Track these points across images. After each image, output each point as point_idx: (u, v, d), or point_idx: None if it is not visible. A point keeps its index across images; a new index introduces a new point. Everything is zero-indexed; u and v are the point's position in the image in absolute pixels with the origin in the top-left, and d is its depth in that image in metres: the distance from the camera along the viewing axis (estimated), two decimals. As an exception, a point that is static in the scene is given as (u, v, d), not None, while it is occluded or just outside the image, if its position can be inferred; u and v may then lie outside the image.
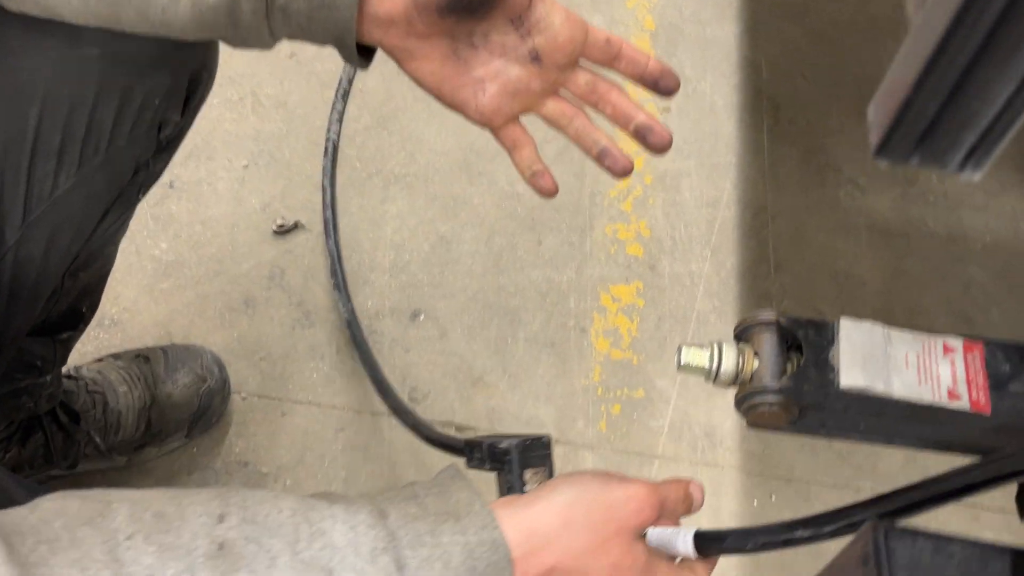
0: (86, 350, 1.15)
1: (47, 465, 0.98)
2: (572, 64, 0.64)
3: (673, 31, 1.62)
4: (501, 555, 0.53)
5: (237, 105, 1.42)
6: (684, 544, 0.58)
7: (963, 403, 0.65)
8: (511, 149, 0.67)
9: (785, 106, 1.54)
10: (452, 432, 1.16)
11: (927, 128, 0.29)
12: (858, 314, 0.78)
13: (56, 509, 0.45)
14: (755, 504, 1.16)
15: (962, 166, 0.30)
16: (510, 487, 0.70)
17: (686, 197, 1.43)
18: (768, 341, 0.70)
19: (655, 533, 0.60)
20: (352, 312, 1.20)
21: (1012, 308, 1.36)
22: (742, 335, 0.72)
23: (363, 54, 0.62)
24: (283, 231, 1.32)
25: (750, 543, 0.56)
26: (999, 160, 0.34)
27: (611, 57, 0.63)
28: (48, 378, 0.92)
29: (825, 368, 0.67)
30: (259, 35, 0.59)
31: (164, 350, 1.09)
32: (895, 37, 1.47)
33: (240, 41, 0.60)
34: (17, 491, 0.58)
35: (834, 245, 1.39)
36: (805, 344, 0.68)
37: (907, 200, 1.46)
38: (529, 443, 0.70)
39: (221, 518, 0.47)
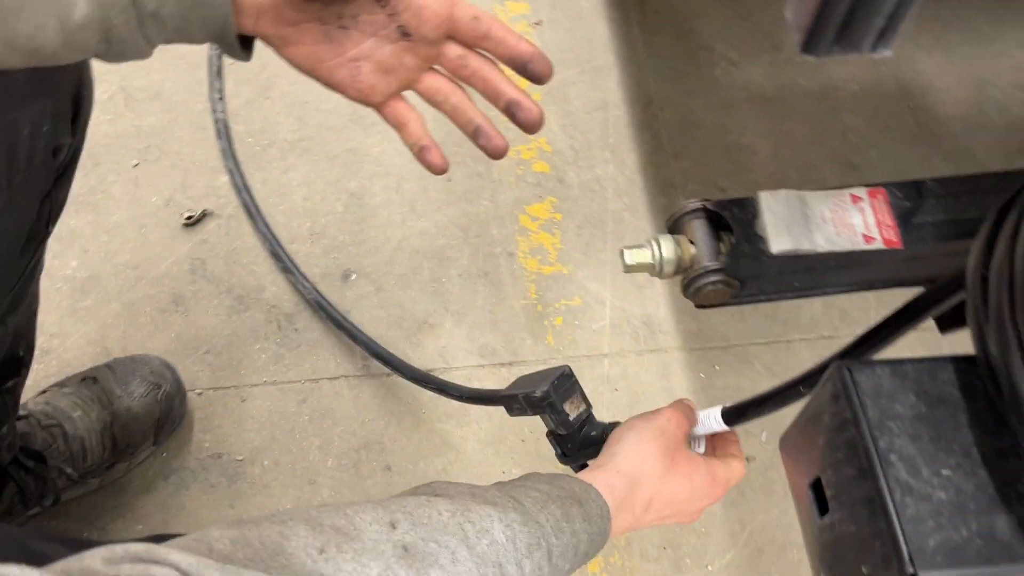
0: (26, 385, 1.12)
1: (27, 508, 0.97)
2: (443, 39, 0.64)
3: (527, -56, 1.63)
4: (605, 541, 0.64)
5: (109, 104, 1.37)
6: (717, 422, 0.73)
7: (878, 243, 0.73)
8: (397, 126, 0.67)
9: (649, -2, 1.59)
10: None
11: (844, 22, 0.33)
12: (755, 181, 0.84)
13: (228, 552, 0.45)
14: (702, 376, 1.24)
15: (875, 47, 0.34)
16: (559, 422, 0.77)
17: (576, 106, 1.47)
18: (699, 227, 0.76)
19: (698, 427, 0.76)
20: (315, 289, 1.21)
21: (888, 147, 1.47)
22: (674, 227, 0.78)
23: (243, 45, 0.62)
24: (192, 222, 1.30)
25: (766, 408, 0.65)
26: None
27: (480, 36, 0.63)
28: (3, 430, 0.90)
29: (755, 240, 0.74)
30: (135, 46, 0.57)
31: (109, 366, 1.08)
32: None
33: (116, 56, 0.58)
34: (48, 547, 0.57)
35: (721, 122, 1.46)
36: (733, 222, 0.74)
37: (777, 66, 1.54)
38: (557, 382, 0.77)
39: (393, 525, 0.50)
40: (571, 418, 0.78)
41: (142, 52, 0.59)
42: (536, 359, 1.24)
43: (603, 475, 0.67)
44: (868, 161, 1.45)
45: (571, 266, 1.32)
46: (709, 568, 1.12)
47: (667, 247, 0.75)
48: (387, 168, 1.38)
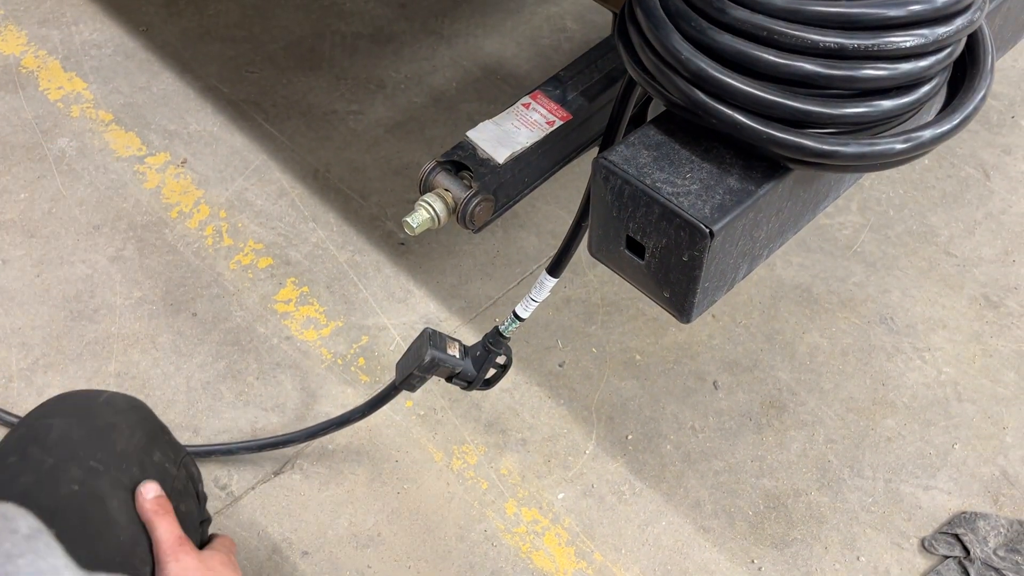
0: None
1: None
2: None
3: (130, 109, 1.74)
4: None
5: None
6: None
7: (558, 122, 1.00)
8: None
9: (264, 96, 1.78)
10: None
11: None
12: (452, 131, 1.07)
13: None
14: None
15: None
16: (452, 366, 0.98)
17: (260, 204, 1.62)
18: (443, 177, 0.97)
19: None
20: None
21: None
22: (425, 188, 0.99)
23: None
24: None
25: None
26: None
27: None
28: None
29: (485, 163, 0.97)
30: None
31: None
32: None
33: None
34: None
35: (380, 156, 1.70)
36: (463, 160, 0.97)
37: (391, 98, 1.81)
38: (432, 341, 0.97)
39: None
40: (457, 357, 0.95)
41: None
42: (365, 397, 1.37)
43: None
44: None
45: (342, 318, 1.47)
46: (587, 452, 1.34)
47: (433, 201, 0.96)
48: (129, 333, 1.42)
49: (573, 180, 1.62)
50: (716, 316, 1.48)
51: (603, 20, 1.95)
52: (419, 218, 0.95)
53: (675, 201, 0.70)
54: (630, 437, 1.35)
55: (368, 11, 1.96)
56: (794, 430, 1.36)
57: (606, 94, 1.02)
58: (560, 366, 1.43)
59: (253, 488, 1.29)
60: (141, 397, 1.37)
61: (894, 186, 1.66)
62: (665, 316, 1.48)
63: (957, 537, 1.24)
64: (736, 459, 1.33)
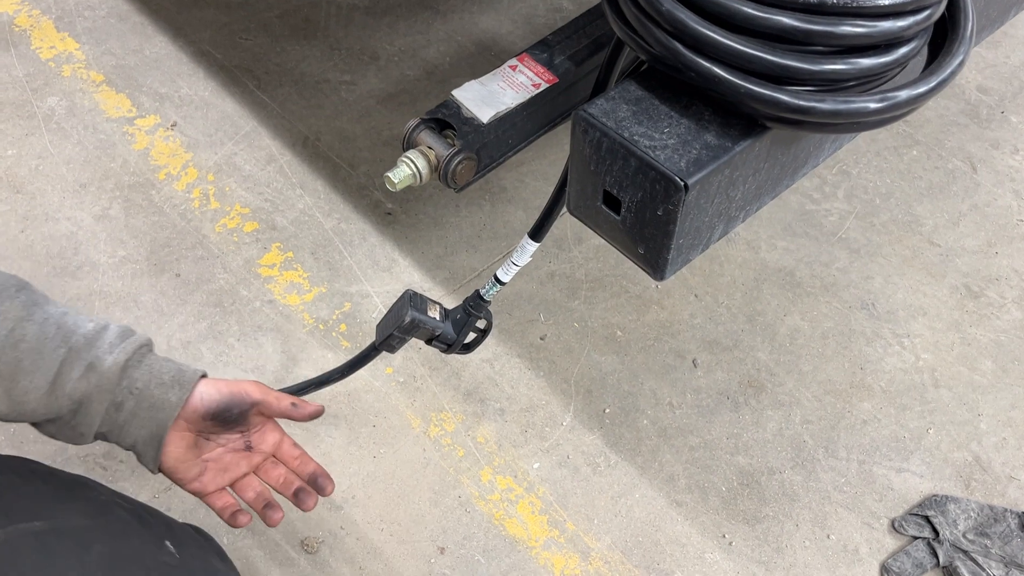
0: None
1: None
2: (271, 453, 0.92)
3: (121, 71, 1.74)
4: None
5: None
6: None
7: (544, 85, 1.00)
8: (218, 511, 0.89)
9: (256, 63, 1.78)
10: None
11: None
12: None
13: None
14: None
15: None
16: (432, 328, 0.99)
17: (249, 169, 1.62)
18: (427, 135, 0.98)
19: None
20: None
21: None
22: (408, 145, 0.99)
23: None
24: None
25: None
26: None
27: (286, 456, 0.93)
28: None
29: (469, 122, 0.97)
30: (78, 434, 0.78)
31: None
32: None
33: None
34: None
35: (370, 126, 1.70)
36: (447, 118, 0.97)
37: (384, 71, 1.81)
38: (412, 302, 0.98)
39: None
40: (437, 319, 0.95)
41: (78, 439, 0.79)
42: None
43: None
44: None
45: (325, 284, 1.47)
46: (564, 424, 1.34)
47: (415, 158, 0.96)
48: (111, 291, 1.42)
49: (562, 157, 1.63)
50: (699, 296, 1.49)
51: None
52: (400, 174, 0.95)
53: (651, 154, 0.71)
54: (607, 411, 1.36)
55: (365, -16, 1.96)
56: (771, 410, 1.36)
57: (593, 59, 1.02)
58: (542, 339, 1.43)
59: (229, 447, 1.28)
60: (121, 354, 1.38)
61: (881, 175, 1.67)
62: (648, 294, 1.49)
63: (927, 519, 1.25)
64: (712, 436, 1.34)
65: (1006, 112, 1.77)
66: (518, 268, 1.03)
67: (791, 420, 1.35)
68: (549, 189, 1.63)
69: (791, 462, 1.31)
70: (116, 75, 1.74)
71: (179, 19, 1.85)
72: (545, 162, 1.65)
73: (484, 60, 1.83)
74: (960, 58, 0.71)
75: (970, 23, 0.73)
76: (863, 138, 1.71)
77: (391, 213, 1.57)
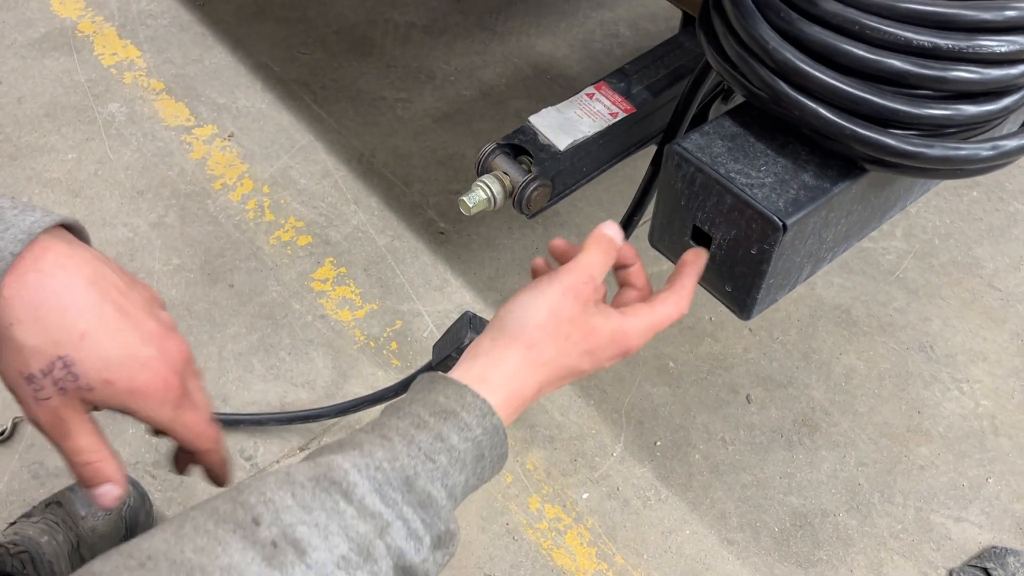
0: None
1: None
2: None
3: (181, 80, 1.75)
4: (500, 434, 0.61)
5: None
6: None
7: (621, 114, 0.99)
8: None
9: (313, 77, 1.79)
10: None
11: None
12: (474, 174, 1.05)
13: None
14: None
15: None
16: None
17: (304, 183, 1.62)
18: (502, 160, 0.97)
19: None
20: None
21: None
22: (482, 169, 0.98)
23: None
24: (5, 437, 1.25)
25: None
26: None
27: None
28: None
29: (545, 149, 0.96)
30: None
31: (72, 488, 1.10)
32: None
33: None
34: None
35: (425, 145, 1.70)
36: (524, 144, 0.96)
37: (440, 89, 1.82)
38: (471, 324, 0.94)
39: (256, 521, 0.49)
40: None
41: None
42: (395, 381, 1.36)
43: (478, 368, 0.64)
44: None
45: (377, 301, 1.47)
46: (614, 454, 1.32)
47: (491, 183, 0.95)
48: (165, 298, 1.42)
49: (616, 184, 1.62)
50: (753, 330, 1.47)
51: (656, 28, 1.95)
52: (476, 198, 0.94)
53: (749, 192, 0.69)
54: (658, 443, 1.34)
55: (423, 2, 1.97)
56: (825, 450, 1.34)
57: (671, 90, 1.01)
58: (592, 367, 1.42)
59: (278, 461, 1.28)
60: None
61: (940, 215, 1.65)
62: (701, 325, 1.47)
63: (986, 571, 1.22)
64: (765, 474, 1.31)
65: (1069, 156, 1.74)
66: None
67: (846, 462, 1.33)
68: (602, 215, 1.62)
69: (846, 505, 1.28)
70: (176, 84, 1.76)
71: (239, 31, 1.87)
72: (600, 188, 1.64)
73: (540, 83, 1.83)
74: (1069, 108, 0.70)
75: (1079, 72, 0.71)
76: (922, 177, 1.69)
77: (444, 232, 1.57)
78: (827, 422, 1.37)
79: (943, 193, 1.68)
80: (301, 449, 1.29)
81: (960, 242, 1.60)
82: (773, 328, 1.47)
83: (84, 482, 0.59)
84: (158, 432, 0.63)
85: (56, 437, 0.58)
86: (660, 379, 1.41)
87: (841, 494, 1.30)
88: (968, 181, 1.69)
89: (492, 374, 0.63)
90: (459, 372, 0.64)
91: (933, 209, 1.66)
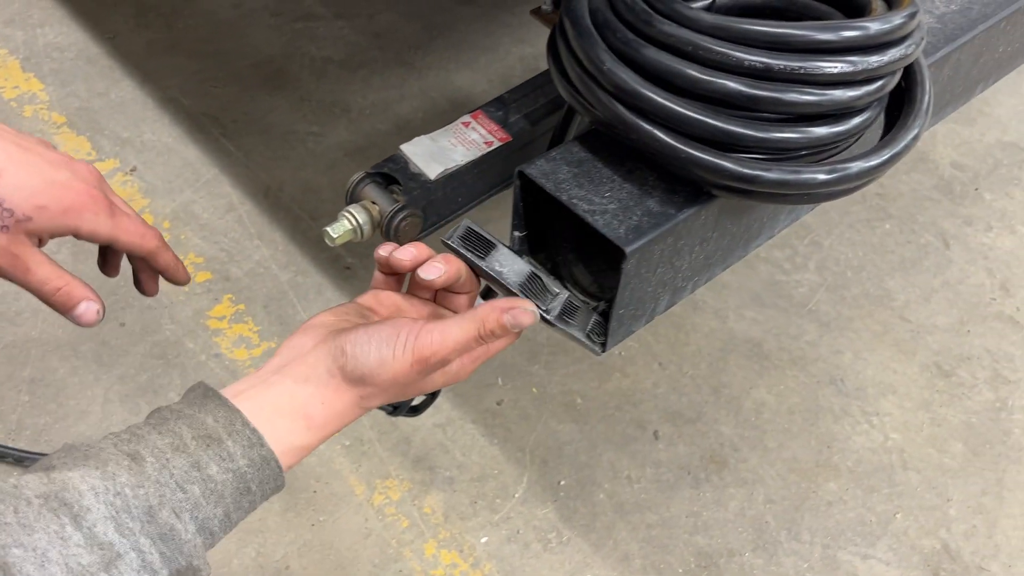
0: None
1: None
2: None
3: (84, 114, 1.71)
4: (272, 467, 0.57)
5: None
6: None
7: (496, 143, 0.96)
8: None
9: (224, 111, 1.75)
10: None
11: None
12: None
13: None
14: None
15: None
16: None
17: (207, 217, 1.57)
18: (371, 189, 0.94)
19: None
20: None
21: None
22: (351, 198, 0.95)
23: None
24: None
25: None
26: None
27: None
28: None
29: (415, 178, 0.94)
30: None
31: None
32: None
33: None
34: None
35: (335, 179, 1.66)
36: (393, 172, 0.93)
37: (355, 123, 1.79)
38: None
39: None
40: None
41: None
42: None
43: (304, 395, 0.61)
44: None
45: (275, 339, 1.42)
46: (516, 495, 1.28)
47: (358, 212, 0.92)
48: (50, 339, 1.36)
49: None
50: (663, 364, 1.44)
51: (575, 64, 1.94)
52: (341, 228, 0.90)
53: (590, 219, 0.67)
54: (563, 483, 1.30)
55: (342, 37, 1.95)
56: (733, 487, 1.31)
57: (549, 119, 0.99)
58: (498, 404, 1.38)
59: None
60: (54, 406, 1.31)
61: (853, 248, 1.64)
62: (611, 360, 1.44)
63: (893, 611, 1.19)
64: (671, 513, 1.27)
65: (980, 189, 1.76)
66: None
67: (754, 499, 1.29)
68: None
69: (752, 544, 1.25)
70: (78, 117, 1.71)
71: (149, 64, 1.83)
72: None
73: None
74: (915, 131, 0.68)
75: (927, 96, 0.70)
76: (835, 209, 1.69)
77: (350, 267, 1.52)
78: (736, 458, 1.34)
79: (856, 226, 1.68)
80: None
81: (872, 274, 1.60)
82: (683, 362, 1.45)
83: (60, 308, 0.66)
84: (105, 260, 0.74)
85: (19, 274, 0.63)
86: (567, 416, 1.37)
87: (748, 533, 1.26)
88: (880, 213, 1.69)
89: (317, 411, 0.61)
90: (285, 387, 0.61)
91: (847, 241, 1.65)
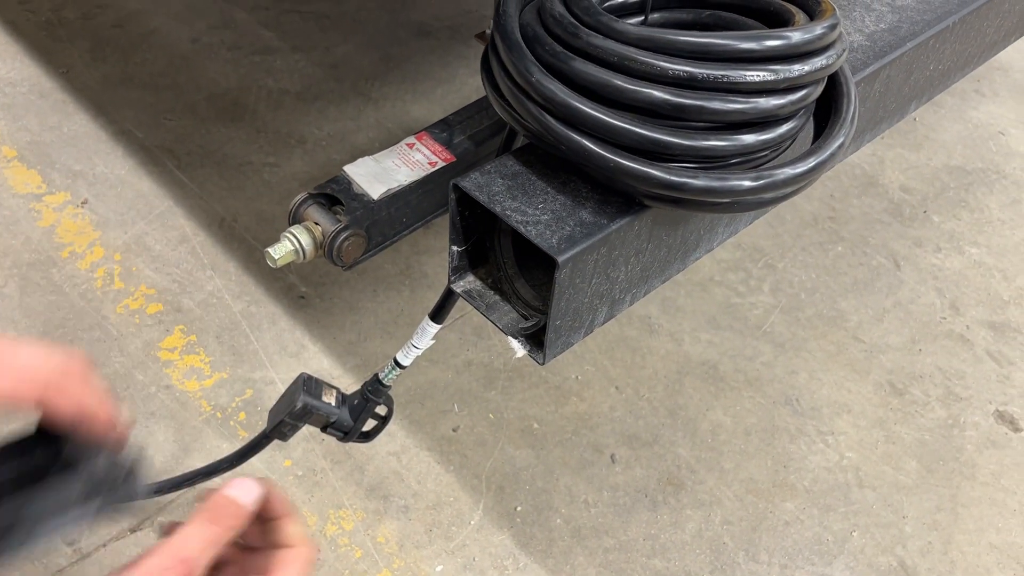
0: None
1: None
2: None
3: (36, 147, 1.69)
4: None
5: None
6: None
7: (440, 163, 0.97)
8: None
9: (179, 143, 1.74)
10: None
11: None
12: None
13: None
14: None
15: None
16: (327, 414, 0.90)
17: (159, 249, 1.56)
18: (314, 210, 0.93)
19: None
20: None
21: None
22: (293, 219, 0.94)
23: None
24: None
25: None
26: None
27: None
28: None
29: (358, 198, 0.93)
30: None
31: None
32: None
33: None
34: None
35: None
36: (337, 194, 0.93)
37: (310, 154, 1.79)
38: (305, 387, 0.87)
39: None
40: (332, 404, 0.89)
41: None
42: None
43: None
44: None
45: (227, 370, 1.40)
46: (472, 523, 1.26)
47: (300, 233, 0.91)
48: None
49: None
50: (619, 388, 1.44)
51: (531, 94, 1.96)
52: (282, 249, 0.90)
53: (523, 229, 0.67)
54: (519, 508, 1.28)
55: (299, 69, 1.96)
56: (691, 509, 1.30)
57: (494, 140, 0.99)
58: (454, 431, 1.36)
59: (105, 545, 1.18)
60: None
61: (807, 270, 1.66)
62: (568, 385, 1.43)
63: (852, 629, 1.18)
64: (628, 536, 1.26)
65: (928, 211, 1.79)
66: (419, 351, 0.98)
67: (711, 521, 1.29)
68: (471, 276, 1.59)
69: (710, 566, 1.24)
70: (29, 151, 1.69)
71: (103, 97, 1.82)
72: (468, 249, 1.61)
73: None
74: (840, 140, 0.69)
75: (852, 106, 0.71)
76: (788, 233, 1.71)
77: (304, 296, 1.51)
78: (693, 480, 1.33)
79: (809, 249, 1.70)
80: (132, 531, 1.20)
81: (825, 296, 1.62)
82: (640, 385, 1.45)
83: None
84: None
85: None
86: (523, 441, 1.36)
87: (706, 554, 1.25)
88: (832, 236, 1.72)
89: None
90: None
91: (800, 264, 1.67)
